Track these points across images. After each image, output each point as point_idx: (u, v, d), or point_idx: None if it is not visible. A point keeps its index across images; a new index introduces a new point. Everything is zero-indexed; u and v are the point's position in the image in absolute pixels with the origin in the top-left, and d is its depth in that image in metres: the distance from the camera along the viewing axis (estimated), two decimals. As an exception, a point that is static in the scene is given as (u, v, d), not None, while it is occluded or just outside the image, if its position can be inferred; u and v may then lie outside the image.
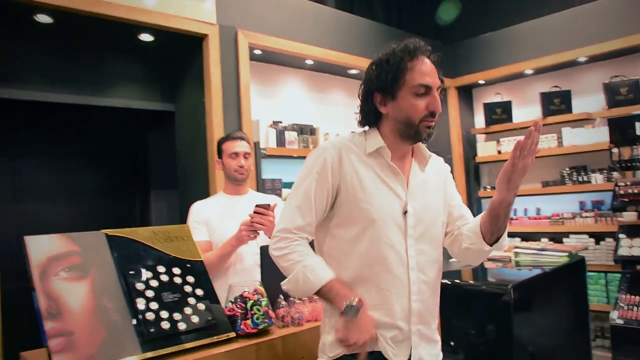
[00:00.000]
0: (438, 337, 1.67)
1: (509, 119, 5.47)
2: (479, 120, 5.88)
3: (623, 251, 3.78)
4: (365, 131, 1.64)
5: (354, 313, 1.42)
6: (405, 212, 1.55)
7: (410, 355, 1.53)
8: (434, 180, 1.68)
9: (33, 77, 3.43)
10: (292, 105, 4.47)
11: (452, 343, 3.40)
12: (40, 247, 1.50)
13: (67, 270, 1.49)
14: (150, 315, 1.50)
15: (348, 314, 1.42)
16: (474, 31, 5.64)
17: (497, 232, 1.58)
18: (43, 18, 3.12)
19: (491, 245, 1.59)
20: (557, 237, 5.09)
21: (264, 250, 1.99)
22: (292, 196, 1.58)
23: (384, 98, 1.55)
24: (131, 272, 1.57)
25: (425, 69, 1.51)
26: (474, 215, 1.70)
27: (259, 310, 1.69)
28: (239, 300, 1.70)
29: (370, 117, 1.61)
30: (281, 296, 1.85)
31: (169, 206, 4.83)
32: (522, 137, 1.51)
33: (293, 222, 1.54)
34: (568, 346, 4.06)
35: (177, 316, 1.55)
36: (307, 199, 1.53)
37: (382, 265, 1.52)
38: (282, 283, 1.53)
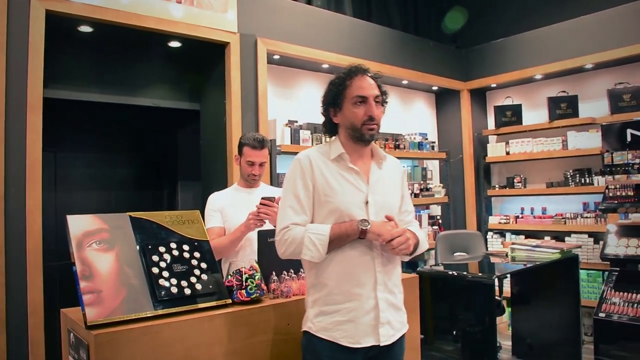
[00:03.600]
0: (404, 309, 2.03)
1: (519, 121, 5.69)
2: (491, 122, 6.11)
3: (610, 250, 4.01)
4: (329, 141, 2.06)
5: (366, 224, 1.84)
6: (366, 202, 1.93)
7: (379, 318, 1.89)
8: (390, 177, 2.07)
9: (74, 79, 3.79)
10: (307, 106, 4.75)
11: (454, 332, 3.71)
12: (78, 224, 1.88)
13: (98, 243, 1.87)
14: (162, 282, 1.88)
15: (364, 225, 1.84)
16: (487, 37, 5.86)
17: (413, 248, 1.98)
18: (85, 28, 3.51)
19: (410, 255, 1.99)
20: (559, 236, 5.31)
21: (261, 234, 2.36)
22: (283, 201, 1.98)
23: (334, 110, 1.99)
24: (149, 247, 1.95)
25: (361, 84, 1.93)
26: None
27: (252, 282, 2.05)
28: (236, 273, 2.07)
29: (330, 127, 2.05)
30: (273, 273, 2.21)
31: (194, 196, 5.16)
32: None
33: (288, 220, 1.90)
34: (562, 339, 4.27)
35: (184, 283, 1.92)
36: (296, 199, 1.93)
37: (351, 246, 1.89)
38: (302, 256, 1.88)
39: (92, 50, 3.90)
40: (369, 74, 1.98)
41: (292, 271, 2.25)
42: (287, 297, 2.17)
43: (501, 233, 5.85)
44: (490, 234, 5.86)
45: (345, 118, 1.95)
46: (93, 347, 1.63)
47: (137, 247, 1.94)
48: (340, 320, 1.87)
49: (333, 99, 1.97)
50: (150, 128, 5.21)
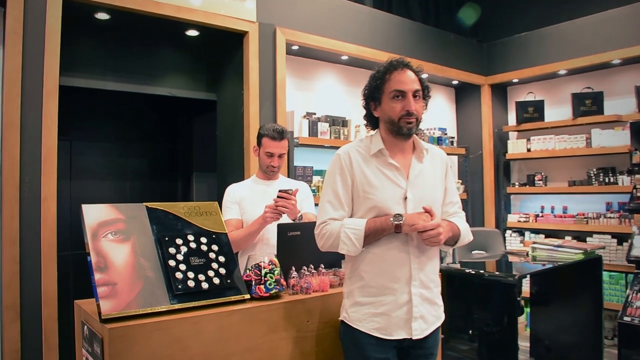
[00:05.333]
0: (441, 303, 2.04)
1: (541, 117, 5.56)
2: (512, 118, 5.98)
3: (637, 252, 3.89)
4: (371, 135, 2.04)
5: (400, 218, 1.85)
6: (405, 198, 1.92)
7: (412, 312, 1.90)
8: (432, 169, 2.05)
9: (91, 67, 3.75)
10: (326, 98, 4.68)
11: (470, 332, 3.62)
12: (93, 213, 1.82)
13: (114, 233, 1.81)
14: (179, 275, 1.81)
15: (397, 220, 1.85)
16: (509, 31, 5.73)
17: (452, 240, 2.02)
18: (101, 15, 3.46)
19: (452, 246, 2.06)
20: (581, 236, 5.18)
21: (280, 227, 2.29)
22: (323, 196, 2.01)
23: (374, 104, 2.00)
24: (165, 239, 1.88)
25: (400, 78, 1.92)
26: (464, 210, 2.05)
27: (271, 277, 1.98)
28: (254, 268, 2.00)
29: (371, 121, 2.05)
30: (293, 268, 2.13)
31: (209, 187, 5.14)
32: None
33: (327, 214, 1.95)
34: (581, 342, 4.16)
35: (201, 277, 1.85)
36: (335, 194, 1.96)
37: (387, 240, 1.90)
38: (339, 250, 1.91)
39: (108, 38, 3.85)
40: (410, 68, 1.96)
41: (312, 266, 2.18)
42: (306, 293, 2.10)
43: (520, 232, 5.73)
44: (508, 232, 5.75)
45: (384, 112, 1.96)
46: (107, 341, 1.57)
47: (154, 239, 1.87)
48: (373, 312, 1.91)
49: (372, 93, 1.98)
50: (166, 118, 5.17)
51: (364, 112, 2.06)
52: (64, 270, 3.38)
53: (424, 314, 1.94)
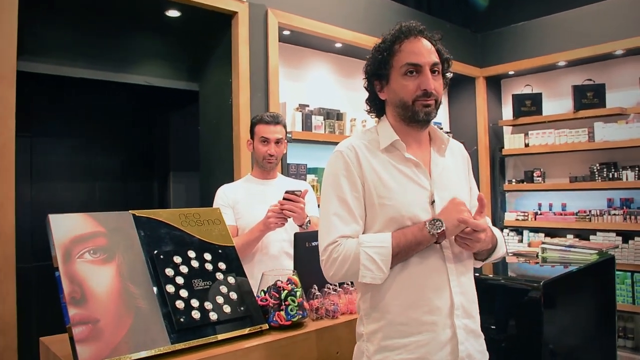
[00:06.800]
0: (482, 333, 1.58)
1: (539, 111, 5.30)
2: (507, 111, 5.72)
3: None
4: (376, 125, 1.60)
5: (439, 224, 1.41)
6: (432, 202, 1.49)
7: (458, 352, 1.45)
8: (456, 165, 1.64)
9: (54, 51, 3.34)
10: (319, 89, 4.36)
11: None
12: (64, 226, 1.39)
13: (92, 252, 1.39)
14: (179, 304, 1.40)
15: (436, 227, 1.41)
16: (505, 20, 5.47)
17: (487, 252, 1.58)
18: (68, -10, 3.04)
19: (483, 261, 1.59)
20: (583, 234, 4.97)
21: (298, 237, 1.89)
22: (325, 207, 1.51)
23: (380, 83, 1.56)
24: (160, 257, 1.46)
25: (414, 49, 1.49)
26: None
27: (293, 301, 1.59)
28: (272, 290, 1.60)
29: (375, 105, 1.62)
30: (315, 286, 1.75)
31: (188, 188, 4.77)
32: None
33: (336, 232, 1.46)
34: (592, 346, 3.94)
35: (208, 305, 1.45)
36: (344, 204, 1.48)
37: (418, 259, 1.45)
38: (359, 279, 1.43)
39: (76, 17, 3.42)
40: (425, 36, 1.54)
41: (337, 283, 1.79)
42: (333, 317, 1.71)
43: (517, 230, 5.48)
44: (506, 231, 5.50)
45: (394, 93, 1.52)
46: (89, 403, 1.15)
47: (145, 258, 1.45)
48: (408, 359, 1.43)
49: (378, 69, 1.54)
50: (141, 110, 4.73)
51: (360, 104, 1.62)
52: (25, 286, 2.92)
53: (471, 352, 1.49)
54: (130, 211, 1.53)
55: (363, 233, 1.48)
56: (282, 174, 3.52)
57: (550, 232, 5.20)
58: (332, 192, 1.50)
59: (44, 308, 2.02)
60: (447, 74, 1.58)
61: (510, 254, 4.24)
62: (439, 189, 1.51)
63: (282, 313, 1.57)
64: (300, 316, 1.60)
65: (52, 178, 4.41)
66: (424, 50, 1.49)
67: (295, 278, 1.66)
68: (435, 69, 1.50)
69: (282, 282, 1.62)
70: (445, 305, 1.45)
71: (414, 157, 1.52)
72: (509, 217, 5.49)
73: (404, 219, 1.45)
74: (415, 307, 1.44)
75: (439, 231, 1.40)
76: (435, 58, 1.50)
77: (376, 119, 1.65)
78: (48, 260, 1.35)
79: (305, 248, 1.83)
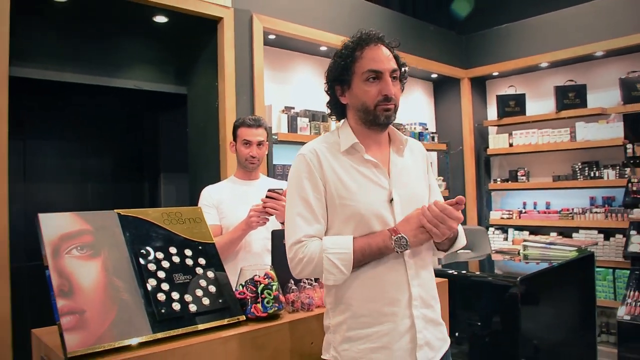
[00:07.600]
0: (442, 321, 1.68)
1: (522, 111, 5.42)
2: (492, 112, 5.83)
3: (633, 248, 3.75)
4: (337, 128, 1.68)
5: (404, 242, 1.49)
6: (391, 201, 1.57)
7: (417, 340, 1.54)
8: (414, 164, 1.71)
9: (45, 57, 3.39)
10: (304, 92, 4.43)
11: (456, 334, 3.40)
12: (53, 224, 1.48)
13: (79, 248, 1.48)
14: (161, 296, 1.50)
15: (401, 245, 1.49)
16: (489, 22, 5.58)
17: (449, 241, 1.64)
18: (57, -3, 3.11)
19: (445, 251, 1.65)
20: (566, 232, 5.08)
21: (275, 234, 1.99)
22: (290, 207, 1.60)
23: (342, 89, 1.63)
24: (143, 253, 1.56)
25: (374, 56, 1.56)
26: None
27: (269, 294, 1.68)
28: (249, 283, 1.69)
29: (336, 109, 1.69)
30: (292, 281, 1.84)
31: (178, 189, 4.81)
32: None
33: (300, 231, 1.55)
34: (574, 341, 4.03)
35: (188, 298, 1.54)
36: (306, 205, 1.56)
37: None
38: (324, 281, 1.53)
39: (66, 23, 3.48)
40: (384, 43, 1.61)
41: (312, 278, 1.89)
42: (308, 310, 1.81)
43: (502, 229, 5.59)
44: (491, 229, 5.60)
45: (355, 98, 1.59)
46: (75, 386, 1.25)
47: (129, 253, 1.55)
48: (371, 347, 1.53)
49: (339, 74, 1.60)
50: (131, 113, 4.79)
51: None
52: (18, 285, 3.00)
53: (429, 340, 1.58)
54: (115, 210, 1.63)
55: (325, 231, 1.58)
56: (268, 175, 3.62)
57: (535, 230, 5.30)
58: (295, 193, 1.58)
59: (37, 305, 2.10)
60: (403, 80, 1.66)
61: (493, 252, 4.34)
62: (397, 188, 1.59)
63: (259, 305, 1.67)
64: (276, 308, 1.70)
65: (45, 180, 4.44)
66: (384, 57, 1.57)
67: (272, 273, 1.75)
68: (394, 75, 1.58)
69: (259, 276, 1.72)
70: (404, 297, 1.54)
71: (373, 158, 1.59)
72: (494, 216, 5.60)
73: (363, 218, 1.53)
74: (376, 300, 1.54)
75: (401, 250, 1.50)
76: (394, 65, 1.58)
77: (337, 121, 1.73)
78: (40, 260, 1.44)
79: (283, 245, 1.91)
